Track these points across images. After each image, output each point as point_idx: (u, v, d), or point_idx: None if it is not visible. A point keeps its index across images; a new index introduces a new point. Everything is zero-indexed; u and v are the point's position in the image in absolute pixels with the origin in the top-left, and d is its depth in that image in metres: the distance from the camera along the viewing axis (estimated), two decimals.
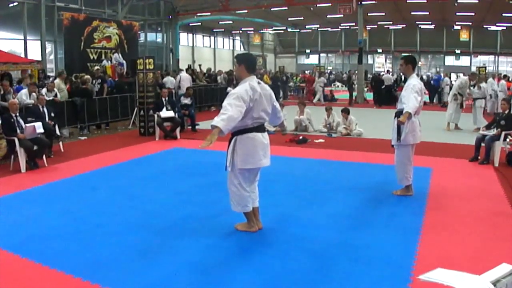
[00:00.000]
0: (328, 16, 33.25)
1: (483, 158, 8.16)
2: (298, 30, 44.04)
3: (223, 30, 41.31)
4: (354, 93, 21.91)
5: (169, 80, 15.18)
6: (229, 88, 16.60)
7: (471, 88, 13.07)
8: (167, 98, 11.32)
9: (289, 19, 36.71)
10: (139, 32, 23.77)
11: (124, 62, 17.31)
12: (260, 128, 4.54)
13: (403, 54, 39.22)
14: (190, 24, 34.53)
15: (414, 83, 5.81)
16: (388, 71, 27.50)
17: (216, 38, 41.79)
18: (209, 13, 30.20)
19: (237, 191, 4.56)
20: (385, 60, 45.04)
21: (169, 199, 6.04)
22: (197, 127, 12.54)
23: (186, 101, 12.66)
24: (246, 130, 4.44)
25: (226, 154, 4.56)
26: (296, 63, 48.28)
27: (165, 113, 10.97)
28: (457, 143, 10.29)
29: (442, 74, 24.07)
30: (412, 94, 5.68)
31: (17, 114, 8.03)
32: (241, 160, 4.44)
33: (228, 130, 4.17)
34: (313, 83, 23.01)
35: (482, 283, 2.05)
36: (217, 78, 20.18)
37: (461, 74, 31.54)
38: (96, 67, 15.31)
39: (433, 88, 21.27)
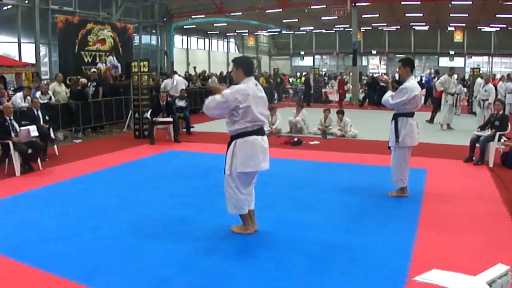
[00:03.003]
0: (323, 18, 33.29)
1: (478, 159, 8.20)
2: (293, 32, 44.14)
3: (218, 32, 41.32)
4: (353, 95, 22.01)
5: (170, 82, 15.09)
6: None
7: (480, 89, 13.23)
8: (164, 103, 11.27)
9: (284, 21, 36.76)
10: (134, 34, 23.71)
11: (119, 65, 17.28)
12: (260, 131, 4.56)
13: (397, 55, 39.54)
14: (185, 27, 34.49)
15: (409, 86, 5.82)
16: (384, 74, 27.52)
17: (210, 40, 41.79)
18: (203, 16, 30.19)
19: (234, 194, 4.56)
20: (380, 62, 45.17)
21: (164, 202, 6.02)
22: (192, 129, 12.52)
23: (181, 103, 12.64)
24: (246, 133, 4.45)
25: (225, 158, 4.56)
26: (290, 65, 48.34)
27: (162, 119, 10.97)
28: (451, 144, 10.32)
29: (431, 76, 24.09)
30: (401, 94, 5.75)
31: (12, 118, 8.00)
32: (241, 163, 4.44)
33: (206, 109, 4.52)
34: (344, 85, 22.32)
35: (478, 284, 2.06)
36: (209, 80, 20.15)
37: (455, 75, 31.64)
38: (93, 70, 15.26)
39: (427, 89, 21.37)
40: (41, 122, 8.98)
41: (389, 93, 6.10)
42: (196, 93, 17.49)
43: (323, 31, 42.57)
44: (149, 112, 11.25)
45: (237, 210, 4.65)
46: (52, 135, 9.30)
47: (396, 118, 6.00)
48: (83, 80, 13.06)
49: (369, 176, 7.39)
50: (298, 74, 32.30)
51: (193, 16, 30.97)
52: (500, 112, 8.60)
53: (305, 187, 6.77)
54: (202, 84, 19.11)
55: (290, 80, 31.32)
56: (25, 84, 13.29)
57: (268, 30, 42.06)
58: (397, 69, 6.21)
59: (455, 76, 13.99)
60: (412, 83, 5.89)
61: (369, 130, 12.16)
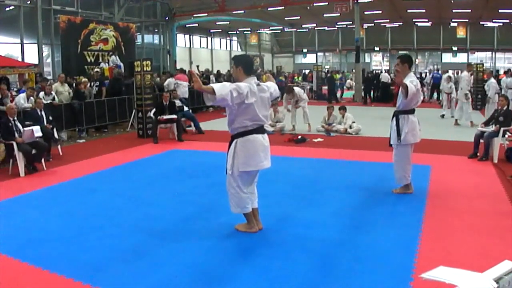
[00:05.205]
0: (325, 15, 33.23)
1: (482, 155, 8.16)
2: (295, 29, 44.03)
3: (220, 30, 41.30)
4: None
5: (172, 82, 15.07)
6: None
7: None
8: (167, 102, 11.27)
9: (286, 18, 36.69)
10: (136, 34, 23.73)
11: (122, 64, 17.30)
12: (260, 130, 4.54)
13: (400, 52, 39.40)
14: (187, 25, 34.49)
15: (411, 79, 5.79)
16: (386, 70, 27.47)
17: (213, 38, 41.79)
18: (205, 14, 30.18)
19: (236, 193, 4.56)
20: (382, 58, 45.04)
21: (168, 201, 6.03)
22: (191, 128, 12.48)
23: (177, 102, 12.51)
24: (246, 132, 4.45)
25: (227, 158, 4.55)
26: (293, 62, 48.27)
27: (167, 116, 10.96)
28: (456, 140, 10.28)
29: (440, 72, 24.10)
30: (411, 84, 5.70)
31: (15, 118, 8.00)
32: (242, 162, 4.43)
33: (215, 99, 4.12)
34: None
35: (485, 281, 2.04)
36: (209, 77, 20.10)
37: (459, 71, 31.54)
38: (95, 70, 15.28)
39: (434, 85, 21.36)
40: (45, 123, 8.98)
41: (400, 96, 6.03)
42: (197, 92, 17.43)
43: (326, 28, 42.45)
44: (152, 111, 11.26)
45: (240, 209, 4.65)
46: (55, 135, 9.31)
47: (397, 116, 5.97)
48: (84, 80, 13.06)
49: (373, 173, 7.37)
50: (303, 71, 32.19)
51: (195, 15, 30.95)
52: (504, 108, 8.56)
53: (309, 184, 6.76)
54: (204, 82, 19.03)
55: (294, 78, 31.19)
56: (28, 84, 13.26)
57: (271, 28, 42.03)
58: (395, 65, 6.16)
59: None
60: (412, 80, 5.84)
61: (372, 127, 12.12)
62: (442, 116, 14.63)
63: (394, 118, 6.00)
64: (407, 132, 5.87)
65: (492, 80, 13.37)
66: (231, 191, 4.61)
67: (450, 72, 19.71)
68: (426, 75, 24.05)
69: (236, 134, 4.50)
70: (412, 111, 5.96)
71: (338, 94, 23.88)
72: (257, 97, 4.40)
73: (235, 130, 4.49)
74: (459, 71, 30.85)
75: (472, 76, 13.27)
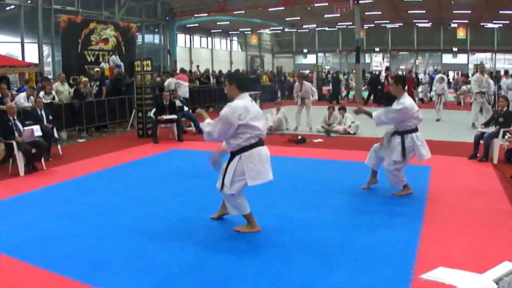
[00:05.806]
0: (325, 16, 33.29)
1: (482, 156, 8.16)
2: (295, 30, 44.08)
3: (221, 30, 41.34)
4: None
5: (173, 82, 15.08)
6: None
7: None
8: (168, 102, 11.27)
9: (286, 19, 36.73)
10: (137, 33, 23.72)
11: (122, 64, 17.28)
12: (261, 143, 4.57)
13: (400, 52, 39.37)
14: (188, 25, 34.52)
15: (407, 105, 5.76)
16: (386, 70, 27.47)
17: (213, 39, 41.82)
18: (206, 14, 30.25)
19: (233, 198, 4.63)
20: (383, 59, 45.07)
21: (168, 201, 6.02)
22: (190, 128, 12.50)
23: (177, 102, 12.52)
24: (249, 146, 4.46)
25: (224, 173, 4.57)
26: (293, 63, 48.28)
27: (167, 116, 10.97)
28: (456, 140, 10.28)
29: (438, 72, 24.06)
30: (392, 114, 5.79)
31: (15, 118, 8.00)
32: (251, 177, 4.43)
33: (208, 138, 4.48)
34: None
35: (485, 282, 2.04)
36: (209, 77, 20.09)
37: (459, 72, 31.48)
38: (96, 69, 15.28)
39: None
40: (45, 122, 8.98)
41: (381, 111, 6.04)
42: (199, 92, 17.48)
43: (326, 28, 42.51)
44: (152, 111, 11.25)
45: (239, 212, 4.71)
46: (55, 134, 9.30)
47: (402, 136, 5.90)
48: (84, 79, 13.07)
49: None
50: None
51: (196, 15, 31.02)
52: (504, 109, 8.56)
53: (309, 185, 6.75)
54: (205, 83, 19.08)
55: None
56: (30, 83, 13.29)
57: (271, 28, 42.06)
58: (389, 87, 6.20)
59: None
60: (409, 101, 5.81)
61: (373, 128, 12.07)
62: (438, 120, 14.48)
63: (400, 137, 5.92)
64: (419, 146, 5.84)
65: (491, 80, 13.33)
66: (227, 198, 4.69)
67: (453, 74, 19.66)
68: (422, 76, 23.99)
69: (240, 149, 4.49)
70: (416, 129, 5.94)
71: (344, 95, 23.90)
72: (251, 113, 4.42)
73: (237, 147, 4.49)
74: (459, 72, 31.00)
75: (485, 76, 13.07)
